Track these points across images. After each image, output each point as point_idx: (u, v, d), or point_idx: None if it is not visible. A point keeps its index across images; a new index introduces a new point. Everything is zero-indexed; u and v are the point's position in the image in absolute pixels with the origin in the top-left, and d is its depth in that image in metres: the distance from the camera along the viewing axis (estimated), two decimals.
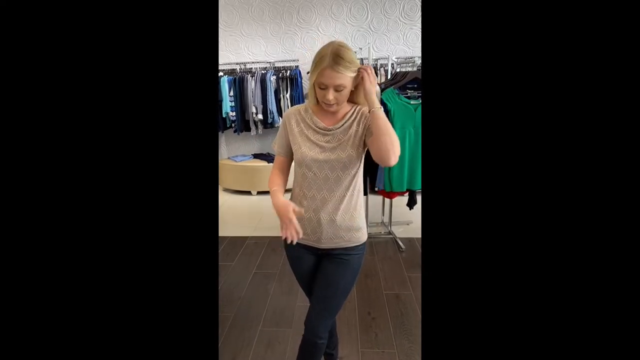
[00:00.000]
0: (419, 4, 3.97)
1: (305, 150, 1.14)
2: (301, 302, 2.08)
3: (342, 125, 1.14)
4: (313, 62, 1.06)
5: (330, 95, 1.06)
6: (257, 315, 1.99)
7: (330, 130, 1.14)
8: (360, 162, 1.16)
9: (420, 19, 4.00)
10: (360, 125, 1.14)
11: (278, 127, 4.13)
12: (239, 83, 3.99)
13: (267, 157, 4.21)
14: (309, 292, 1.33)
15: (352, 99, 1.15)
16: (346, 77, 1.05)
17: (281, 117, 4.05)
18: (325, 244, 1.19)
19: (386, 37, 4.07)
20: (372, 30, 4.07)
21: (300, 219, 1.15)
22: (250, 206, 3.78)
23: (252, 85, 3.95)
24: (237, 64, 4.17)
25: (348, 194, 1.16)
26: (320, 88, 1.07)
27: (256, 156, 4.33)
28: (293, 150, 1.18)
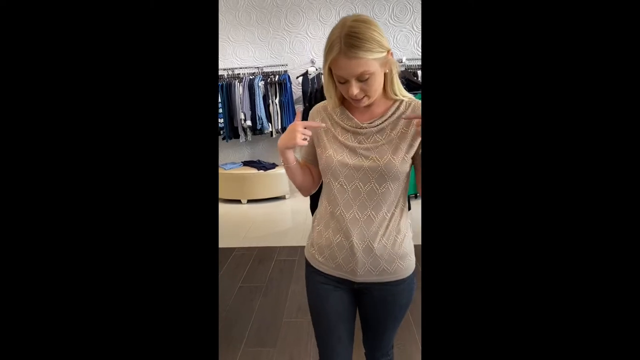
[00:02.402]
0: (408, 6, 3.90)
1: (331, 152, 0.90)
2: (287, 318, 1.97)
3: (382, 122, 0.88)
4: (324, 51, 0.81)
5: (354, 89, 0.80)
6: (241, 333, 1.87)
7: (363, 128, 0.88)
8: (407, 174, 0.89)
9: (410, 20, 3.94)
10: (412, 127, 0.87)
11: (267, 133, 4.04)
12: (226, 89, 3.90)
13: (258, 165, 4.11)
14: (333, 336, 0.98)
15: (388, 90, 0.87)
16: (369, 62, 0.77)
17: (270, 122, 3.96)
18: (362, 277, 0.92)
19: None
20: None
21: (328, 244, 0.93)
22: (239, 215, 3.66)
23: (239, 91, 3.87)
24: (224, 69, 4.09)
25: (389, 214, 0.89)
26: (340, 82, 0.82)
27: (246, 164, 4.22)
28: (318, 156, 0.94)
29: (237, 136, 4.03)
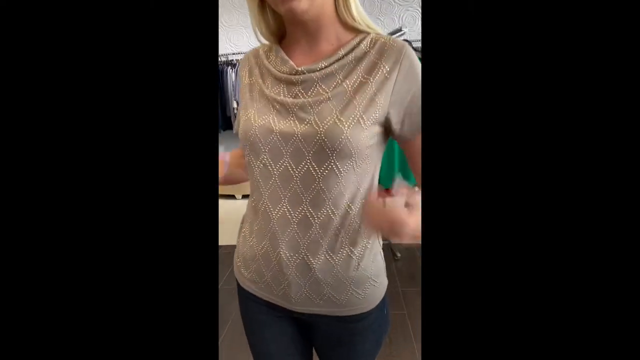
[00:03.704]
0: None
1: (252, 113, 0.60)
2: None
3: (330, 64, 0.58)
4: None
5: None
6: None
7: (300, 74, 0.58)
8: (373, 150, 0.59)
9: None
10: (377, 74, 0.56)
11: None
12: (218, 76, 3.66)
13: None
14: None
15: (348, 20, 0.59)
16: None
17: None
18: (300, 306, 0.64)
19: (380, 20, 3.69)
20: None
21: (252, 255, 0.65)
22: (233, 211, 3.44)
23: (232, 78, 3.62)
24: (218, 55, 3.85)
25: (339, 213, 0.59)
26: None
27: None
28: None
29: (230, 126, 3.79)
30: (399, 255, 2.37)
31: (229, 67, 3.67)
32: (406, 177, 1.88)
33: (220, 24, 3.91)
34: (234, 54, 3.84)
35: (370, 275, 0.63)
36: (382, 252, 0.67)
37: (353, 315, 0.63)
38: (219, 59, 3.83)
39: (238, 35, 3.93)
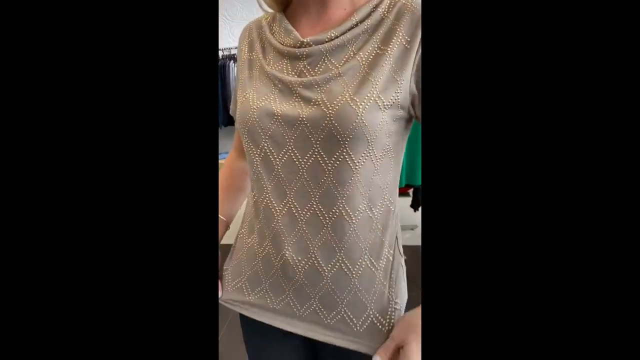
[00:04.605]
0: None
1: (250, 94, 0.53)
2: None
3: (340, 34, 0.50)
4: None
5: None
6: None
7: (305, 47, 0.51)
8: (394, 140, 0.51)
9: None
10: (396, 44, 0.47)
11: None
12: (220, 70, 3.59)
13: None
14: None
15: None
16: None
17: None
18: (305, 321, 0.55)
19: None
20: None
21: (251, 256, 0.58)
22: None
23: (234, 72, 3.54)
24: (220, 49, 3.77)
25: (354, 212, 0.50)
26: None
27: None
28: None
29: (232, 122, 3.71)
30: (404, 257, 2.28)
31: (231, 61, 3.61)
32: (413, 175, 1.75)
33: (223, 17, 3.84)
34: (236, 47, 3.77)
35: (393, 295, 0.54)
36: (404, 265, 0.58)
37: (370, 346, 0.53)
38: (222, 53, 3.76)
39: (240, 28, 3.85)
